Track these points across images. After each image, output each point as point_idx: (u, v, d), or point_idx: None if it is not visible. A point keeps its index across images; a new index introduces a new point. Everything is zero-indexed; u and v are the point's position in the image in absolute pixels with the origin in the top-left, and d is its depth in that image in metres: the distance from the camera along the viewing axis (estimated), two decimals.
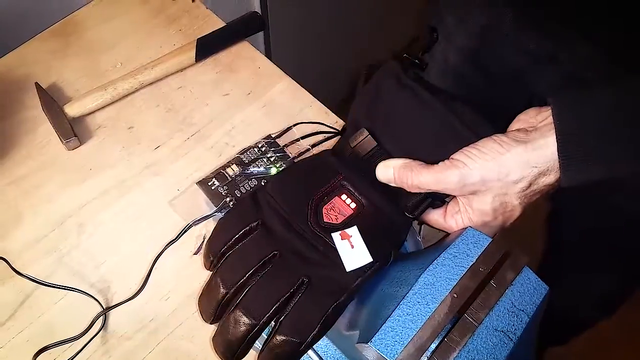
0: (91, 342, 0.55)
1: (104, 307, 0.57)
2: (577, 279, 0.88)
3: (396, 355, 0.39)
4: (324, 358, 0.52)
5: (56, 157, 0.67)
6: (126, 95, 0.72)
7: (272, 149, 0.55)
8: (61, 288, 0.57)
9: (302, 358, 0.50)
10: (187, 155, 0.67)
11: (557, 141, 0.42)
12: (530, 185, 0.45)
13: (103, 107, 0.70)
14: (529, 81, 0.62)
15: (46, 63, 0.74)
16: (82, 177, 0.66)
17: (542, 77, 0.61)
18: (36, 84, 0.69)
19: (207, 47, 0.74)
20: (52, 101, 0.68)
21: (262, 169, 0.53)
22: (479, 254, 0.43)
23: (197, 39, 0.74)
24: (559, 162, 0.43)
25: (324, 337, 0.51)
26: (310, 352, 0.52)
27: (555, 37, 0.58)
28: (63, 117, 0.67)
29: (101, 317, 0.56)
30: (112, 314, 0.58)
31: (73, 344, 0.55)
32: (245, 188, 0.52)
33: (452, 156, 0.47)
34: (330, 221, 0.48)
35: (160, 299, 0.59)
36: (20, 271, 0.57)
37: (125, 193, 0.65)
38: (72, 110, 0.68)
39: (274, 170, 0.53)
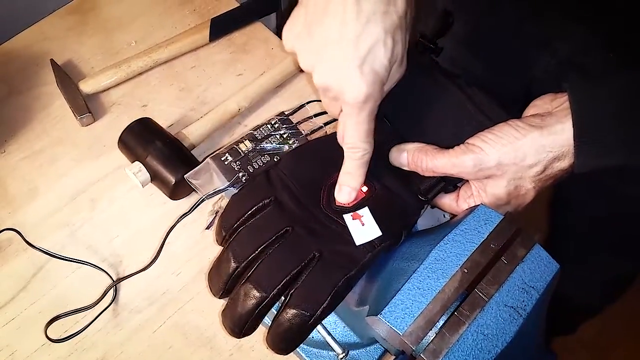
0: (102, 314, 0.56)
1: (115, 279, 0.57)
2: (585, 266, 0.87)
3: (406, 328, 0.39)
4: (332, 334, 0.52)
5: (71, 132, 0.68)
6: (140, 74, 0.72)
7: (285, 125, 0.54)
8: (73, 261, 0.58)
9: (311, 335, 0.50)
10: None
11: (573, 126, 0.42)
12: (544, 169, 0.45)
13: (117, 85, 0.71)
14: (525, 66, 0.62)
15: (62, 40, 0.74)
16: (96, 153, 0.67)
17: (539, 63, 0.61)
18: (51, 60, 0.70)
19: (221, 27, 0.74)
20: (67, 77, 0.68)
21: (274, 145, 0.53)
22: (490, 230, 0.43)
23: (211, 19, 0.74)
24: (574, 147, 0.43)
25: (333, 313, 0.52)
26: (319, 327, 0.52)
27: (553, 23, 0.58)
28: (77, 93, 0.67)
29: (112, 290, 0.57)
30: (124, 287, 0.58)
31: (84, 317, 0.56)
32: (257, 164, 0.52)
33: (467, 141, 0.47)
34: (342, 204, 0.48)
35: (171, 273, 0.60)
36: (34, 244, 0.58)
37: None
38: (87, 86, 0.69)
39: (286, 147, 0.53)
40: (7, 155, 0.66)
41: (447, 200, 0.51)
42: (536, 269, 0.43)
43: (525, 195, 0.48)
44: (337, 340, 0.52)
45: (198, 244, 0.61)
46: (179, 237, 0.60)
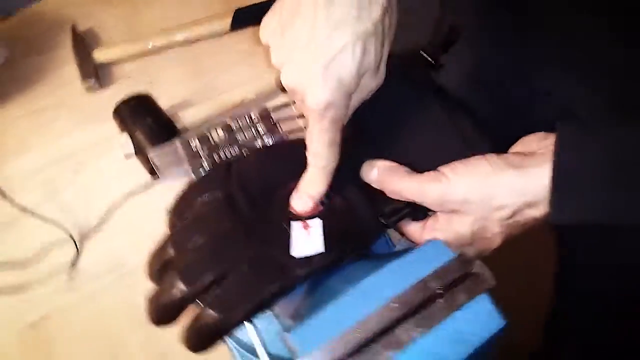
0: (57, 277, 0.56)
1: (77, 244, 0.57)
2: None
3: (306, 354, 0.36)
4: (266, 344, 0.49)
5: (75, 97, 0.69)
6: (157, 52, 0.72)
7: (264, 121, 0.52)
8: (41, 219, 0.58)
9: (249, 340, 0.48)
10: None
11: (552, 173, 0.38)
12: (514, 214, 0.41)
13: (132, 59, 0.71)
14: (526, 111, 0.58)
15: (88, 7, 0.76)
16: (94, 120, 0.67)
17: (539, 110, 0.56)
18: (72, 25, 0.71)
19: (244, 18, 0.73)
20: (82, 43, 0.70)
21: (248, 139, 0.51)
22: (435, 268, 0.39)
23: (235, 10, 0.73)
24: (550, 196, 0.38)
25: (277, 322, 0.49)
26: (252, 333, 0.49)
27: (554, 75, 0.54)
28: (90, 59, 0.69)
29: (73, 252, 0.56)
30: (85, 256, 0.58)
31: (40, 276, 0.56)
32: (226, 154, 0.50)
33: (439, 168, 0.43)
34: (297, 212, 0.46)
35: (132, 248, 0.59)
36: (14, 197, 0.59)
37: None
38: (100, 55, 0.70)
39: (259, 143, 0.51)
40: (9, 111, 0.68)
41: (413, 229, 0.47)
42: (476, 320, 0.38)
43: (492, 240, 0.43)
44: (272, 352, 0.49)
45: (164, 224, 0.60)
46: (148, 215, 0.59)
